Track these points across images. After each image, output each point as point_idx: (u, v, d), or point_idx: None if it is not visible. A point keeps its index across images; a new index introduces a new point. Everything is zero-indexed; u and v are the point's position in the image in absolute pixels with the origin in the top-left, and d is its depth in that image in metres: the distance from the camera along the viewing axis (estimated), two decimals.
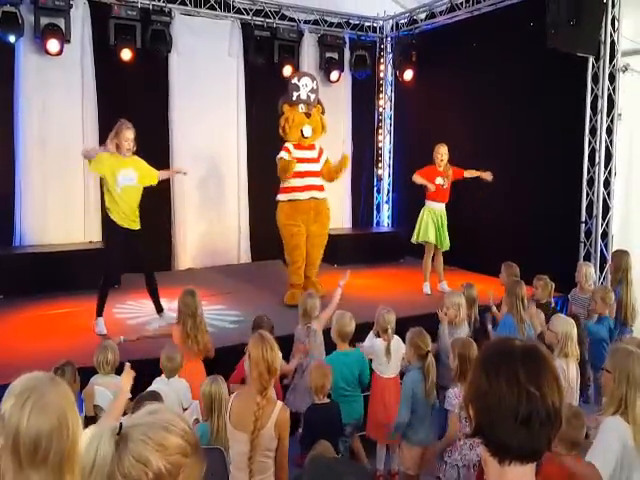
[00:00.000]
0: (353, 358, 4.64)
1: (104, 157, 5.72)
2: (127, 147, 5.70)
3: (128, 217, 5.79)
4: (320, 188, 7.02)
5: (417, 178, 7.40)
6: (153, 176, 6.02)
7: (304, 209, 6.87)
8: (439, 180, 7.28)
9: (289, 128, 6.86)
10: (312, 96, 7.01)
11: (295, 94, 6.95)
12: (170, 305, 6.13)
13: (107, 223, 5.85)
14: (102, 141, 8.13)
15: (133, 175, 5.78)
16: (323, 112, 7.19)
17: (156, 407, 1.43)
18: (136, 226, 5.88)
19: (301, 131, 6.88)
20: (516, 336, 4.75)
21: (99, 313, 5.82)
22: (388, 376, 4.75)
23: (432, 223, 7.33)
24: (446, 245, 7.41)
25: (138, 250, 5.99)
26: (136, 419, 1.38)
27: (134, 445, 1.30)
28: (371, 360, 4.80)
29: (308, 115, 6.93)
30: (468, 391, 1.44)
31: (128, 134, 5.69)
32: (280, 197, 6.94)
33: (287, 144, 6.90)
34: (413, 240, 7.55)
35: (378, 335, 4.87)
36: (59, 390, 1.74)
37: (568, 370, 4.29)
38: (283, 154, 6.82)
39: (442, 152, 7.27)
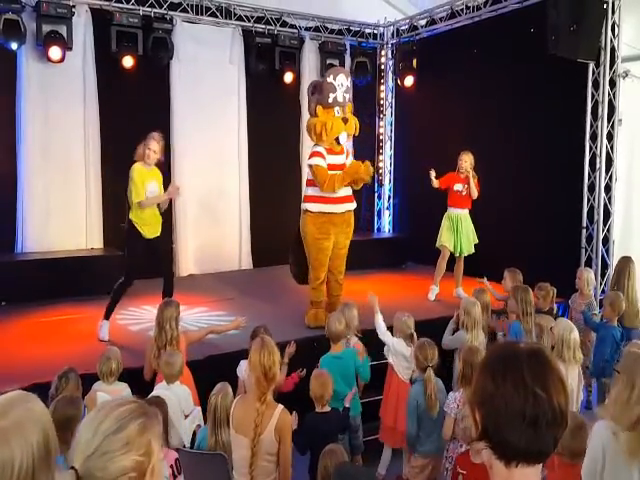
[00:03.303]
0: (345, 359, 4.64)
1: (138, 168, 5.79)
2: (148, 155, 5.77)
3: (153, 227, 5.92)
4: (352, 199, 6.44)
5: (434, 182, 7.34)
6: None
7: (338, 222, 6.27)
8: (458, 186, 7.28)
9: (325, 135, 6.11)
10: (347, 97, 6.26)
11: (331, 96, 6.12)
12: None
13: (129, 231, 5.83)
14: (103, 148, 8.25)
15: (156, 189, 5.89)
16: (352, 111, 6.49)
17: (96, 419, 1.47)
18: (157, 233, 5.99)
19: (337, 138, 6.17)
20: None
21: (107, 316, 5.80)
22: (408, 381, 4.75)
23: (448, 229, 7.34)
24: (465, 250, 7.36)
25: (158, 255, 6.05)
26: (88, 447, 1.43)
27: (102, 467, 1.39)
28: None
29: (345, 120, 6.17)
30: (473, 396, 1.44)
31: (152, 144, 5.78)
32: (311, 207, 6.20)
33: (319, 148, 6.18)
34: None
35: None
36: (21, 425, 1.44)
37: (567, 376, 4.26)
38: (319, 161, 6.12)
39: (463, 159, 7.21)
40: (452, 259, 7.47)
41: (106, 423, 1.44)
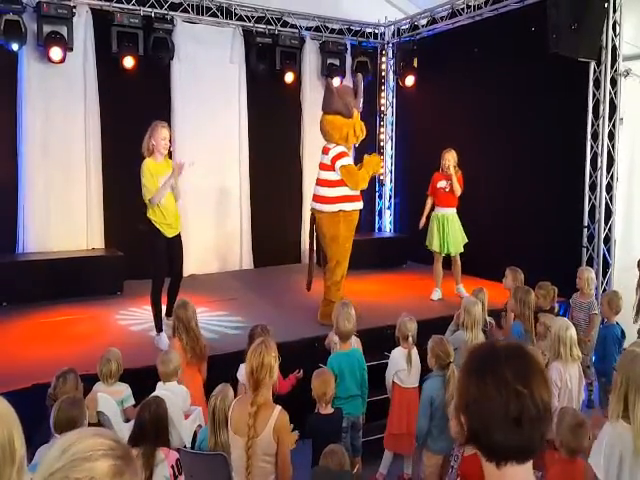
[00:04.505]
0: (354, 357, 4.63)
1: (147, 163, 5.55)
2: (164, 146, 5.57)
3: (171, 226, 5.68)
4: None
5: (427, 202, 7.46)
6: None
7: (358, 218, 6.52)
8: (441, 183, 7.28)
9: (362, 137, 6.44)
10: None
11: (361, 101, 6.43)
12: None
13: (150, 230, 5.63)
14: (104, 148, 8.25)
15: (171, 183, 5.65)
16: None
17: (70, 439, 1.29)
18: (177, 232, 5.77)
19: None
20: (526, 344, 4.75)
21: (158, 328, 5.67)
22: (408, 386, 4.70)
23: (436, 230, 7.32)
24: (453, 250, 7.33)
25: (174, 254, 5.80)
26: (51, 466, 1.25)
27: None
28: None
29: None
30: (458, 400, 1.44)
31: (164, 133, 5.58)
32: (346, 206, 6.28)
33: (345, 149, 6.31)
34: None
35: (398, 343, 4.86)
36: None
37: (565, 373, 4.22)
38: (351, 160, 6.42)
39: (446, 157, 7.21)
40: (448, 259, 7.46)
41: (78, 446, 1.27)
